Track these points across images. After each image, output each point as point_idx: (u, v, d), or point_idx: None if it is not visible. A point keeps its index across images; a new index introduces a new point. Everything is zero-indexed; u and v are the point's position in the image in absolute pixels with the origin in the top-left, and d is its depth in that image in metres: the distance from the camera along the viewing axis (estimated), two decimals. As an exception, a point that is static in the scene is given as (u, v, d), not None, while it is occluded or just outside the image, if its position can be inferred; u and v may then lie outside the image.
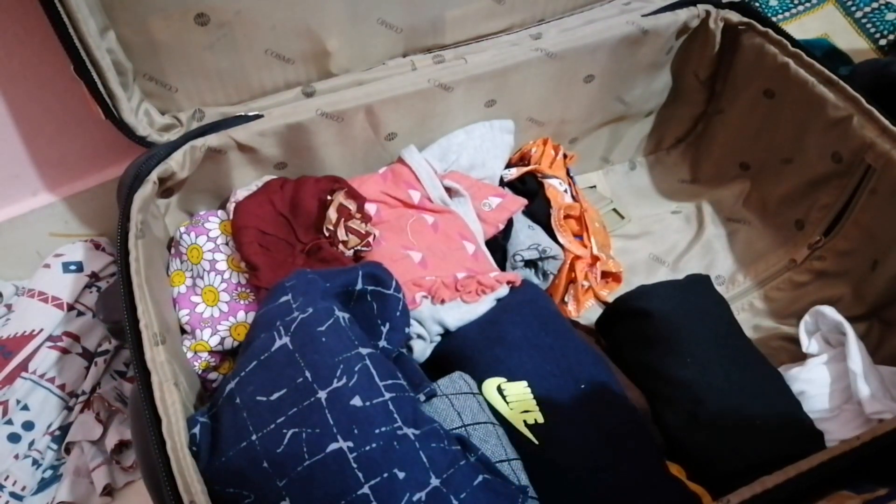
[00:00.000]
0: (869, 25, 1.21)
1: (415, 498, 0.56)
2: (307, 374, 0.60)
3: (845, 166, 0.87)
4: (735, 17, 0.97)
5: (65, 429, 0.88)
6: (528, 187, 1.00)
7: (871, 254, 0.86)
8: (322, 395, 0.59)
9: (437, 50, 0.91)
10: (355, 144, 0.89)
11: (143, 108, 0.78)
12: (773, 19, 1.13)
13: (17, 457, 0.85)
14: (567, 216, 0.97)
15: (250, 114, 0.82)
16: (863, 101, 0.82)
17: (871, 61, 1.13)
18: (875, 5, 1.22)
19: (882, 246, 0.85)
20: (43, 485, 0.87)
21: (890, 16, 1.21)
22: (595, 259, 0.95)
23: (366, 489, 0.56)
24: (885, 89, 0.85)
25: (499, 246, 0.94)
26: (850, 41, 1.23)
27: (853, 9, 1.24)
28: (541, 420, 0.70)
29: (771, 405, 0.74)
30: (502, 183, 1.02)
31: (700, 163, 1.15)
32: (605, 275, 0.98)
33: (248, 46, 0.79)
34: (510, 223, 0.95)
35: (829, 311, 0.81)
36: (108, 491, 0.86)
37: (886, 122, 0.80)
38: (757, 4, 1.30)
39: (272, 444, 0.58)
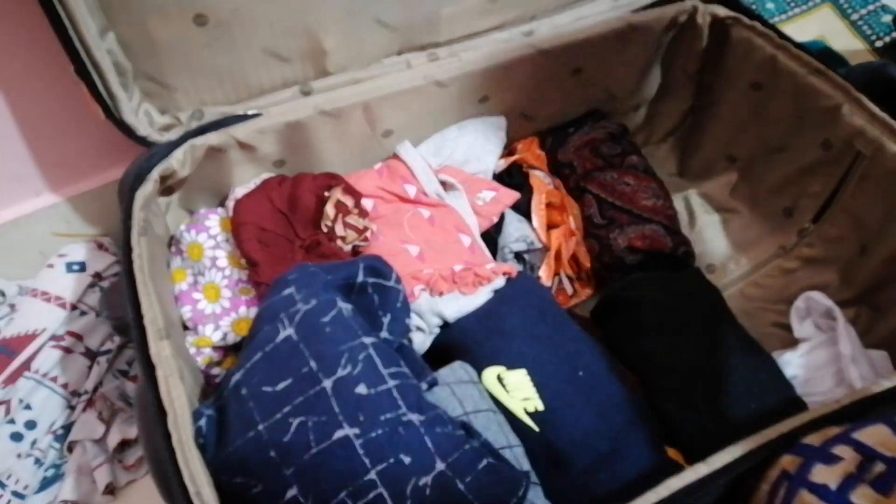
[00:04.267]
0: (865, 27, 1.22)
1: (421, 482, 0.57)
2: (312, 363, 0.61)
3: (835, 154, 0.88)
4: (722, 11, 0.98)
5: (67, 428, 0.89)
6: (515, 180, 1.02)
7: (859, 239, 0.88)
8: (327, 383, 0.60)
9: (431, 48, 0.92)
10: (352, 141, 0.90)
11: (144, 108, 0.79)
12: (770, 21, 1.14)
13: (19, 456, 0.85)
14: (548, 204, 0.98)
15: (249, 112, 0.83)
16: (852, 89, 0.83)
17: (867, 63, 1.14)
18: (871, 7, 1.23)
19: (870, 231, 0.86)
20: (45, 483, 0.87)
21: (886, 18, 1.22)
22: (572, 233, 0.97)
23: (372, 475, 0.57)
24: (881, 91, 0.86)
25: (491, 239, 0.96)
26: (846, 43, 1.24)
27: (849, 11, 1.25)
28: (540, 407, 0.71)
29: (765, 389, 0.75)
30: (493, 177, 1.04)
31: (688, 157, 1.16)
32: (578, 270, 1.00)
33: (246, 46, 0.79)
34: (503, 217, 0.96)
35: (820, 297, 0.83)
36: (111, 489, 0.87)
37: (875, 109, 0.82)
38: (754, 7, 1.31)
39: (279, 433, 0.59)
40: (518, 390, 0.72)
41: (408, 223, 0.88)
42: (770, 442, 0.58)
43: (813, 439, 0.56)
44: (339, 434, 0.58)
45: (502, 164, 1.04)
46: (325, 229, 0.83)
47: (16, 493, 0.84)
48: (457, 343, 0.78)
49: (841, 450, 0.54)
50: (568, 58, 0.97)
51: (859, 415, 0.58)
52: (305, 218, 0.82)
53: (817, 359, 0.80)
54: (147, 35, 0.74)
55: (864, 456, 0.53)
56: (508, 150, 1.08)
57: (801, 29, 1.28)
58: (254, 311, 0.78)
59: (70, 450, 0.88)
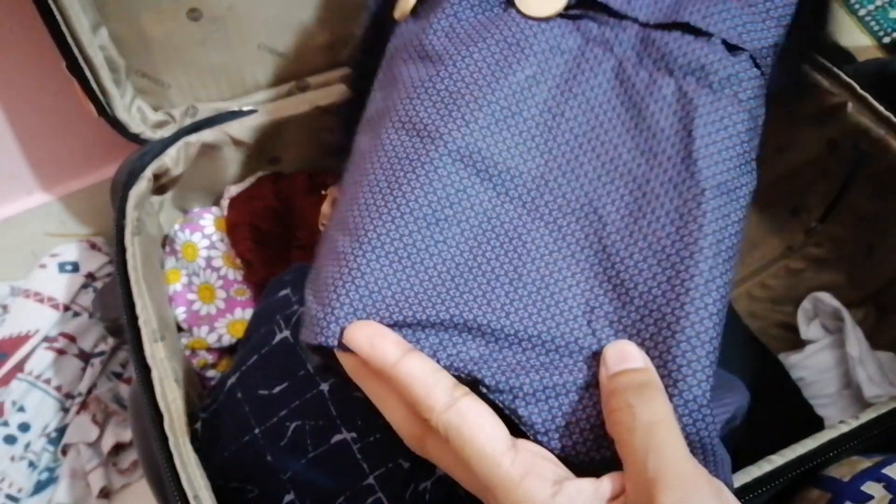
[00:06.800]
0: (873, 23, 1.21)
1: (420, 487, 0.56)
2: (308, 366, 0.60)
3: (840, 153, 0.87)
4: (726, 7, 0.97)
5: (61, 430, 0.88)
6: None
7: (866, 240, 0.87)
8: (324, 386, 0.59)
9: (430, 42, 0.90)
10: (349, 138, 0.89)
11: (136, 104, 0.78)
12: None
13: (13, 458, 0.85)
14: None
15: (244, 108, 0.82)
16: (857, 87, 0.83)
17: (874, 60, 1.13)
18: (879, 3, 1.21)
19: (877, 232, 0.85)
20: (39, 487, 0.86)
21: (894, 14, 1.20)
22: None
23: (371, 479, 0.56)
24: (887, 88, 0.85)
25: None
26: (854, 39, 1.22)
27: (856, 6, 1.23)
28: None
29: (771, 391, 0.74)
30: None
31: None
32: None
33: (241, 41, 0.78)
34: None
35: (827, 298, 0.82)
36: (105, 493, 0.86)
37: (881, 109, 0.81)
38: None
39: (275, 437, 0.58)
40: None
41: (406, 222, 0.87)
42: (802, 458, 0.56)
43: (842, 472, 0.55)
44: (336, 438, 0.57)
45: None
46: (321, 228, 0.82)
47: (10, 497, 0.84)
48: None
49: (870, 486, 0.53)
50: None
51: (882, 433, 0.57)
52: (302, 217, 0.82)
53: (824, 361, 0.79)
54: (140, 31, 0.73)
55: (893, 494, 0.52)
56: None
57: (808, 24, 1.27)
58: (249, 313, 0.77)
59: (64, 453, 0.87)
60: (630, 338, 0.41)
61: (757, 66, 0.48)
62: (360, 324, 0.40)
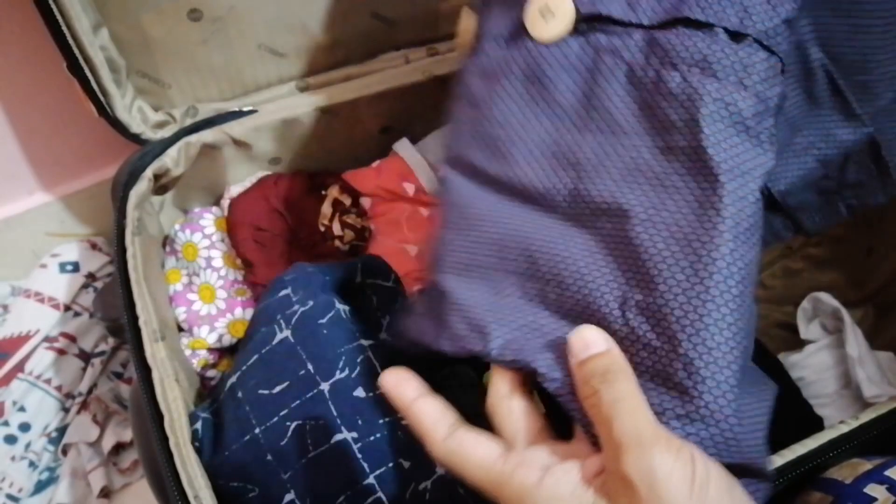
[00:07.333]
0: None
1: (420, 486, 0.56)
2: (309, 366, 0.60)
3: (839, 153, 0.87)
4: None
5: (61, 430, 0.88)
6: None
7: (865, 240, 0.87)
8: (325, 386, 0.59)
9: (430, 42, 0.90)
10: (349, 138, 0.89)
11: (137, 104, 0.78)
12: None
13: (13, 458, 0.85)
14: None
15: (244, 109, 0.82)
16: (856, 87, 0.83)
17: None
18: None
19: (876, 232, 0.85)
20: (40, 486, 0.86)
21: None
22: None
23: (371, 479, 0.56)
24: None
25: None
26: None
27: None
28: (542, 411, 0.70)
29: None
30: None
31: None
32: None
33: (242, 41, 0.79)
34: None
35: (826, 298, 0.82)
36: (106, 493, 0.86)
37: (880, 109, 0.81)
38: None
39: (276, 436, 0.58)
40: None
41: (406, 223, 0.87)
42: (801, 458, 0.56)
43: (843, 474, 0.55)
44: (337, 438, 0.57)
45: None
46: (322, 228, 0.82)
47: (10, 497, 0.84)
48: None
49: (873, 489, 0.52)
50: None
51: (882, 433, 0.57)
52: (302, 217, 0.82)
53: (824, 360, 0.79)
54: (141, 31, 0.73)
55: None
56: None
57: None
58: (249, 313, 0.77)
59: (65, 453, 0.87)
60: (659, 322, 0.43)
61: (766, 47, 0.49)
62: (391, 370, 0.46)
